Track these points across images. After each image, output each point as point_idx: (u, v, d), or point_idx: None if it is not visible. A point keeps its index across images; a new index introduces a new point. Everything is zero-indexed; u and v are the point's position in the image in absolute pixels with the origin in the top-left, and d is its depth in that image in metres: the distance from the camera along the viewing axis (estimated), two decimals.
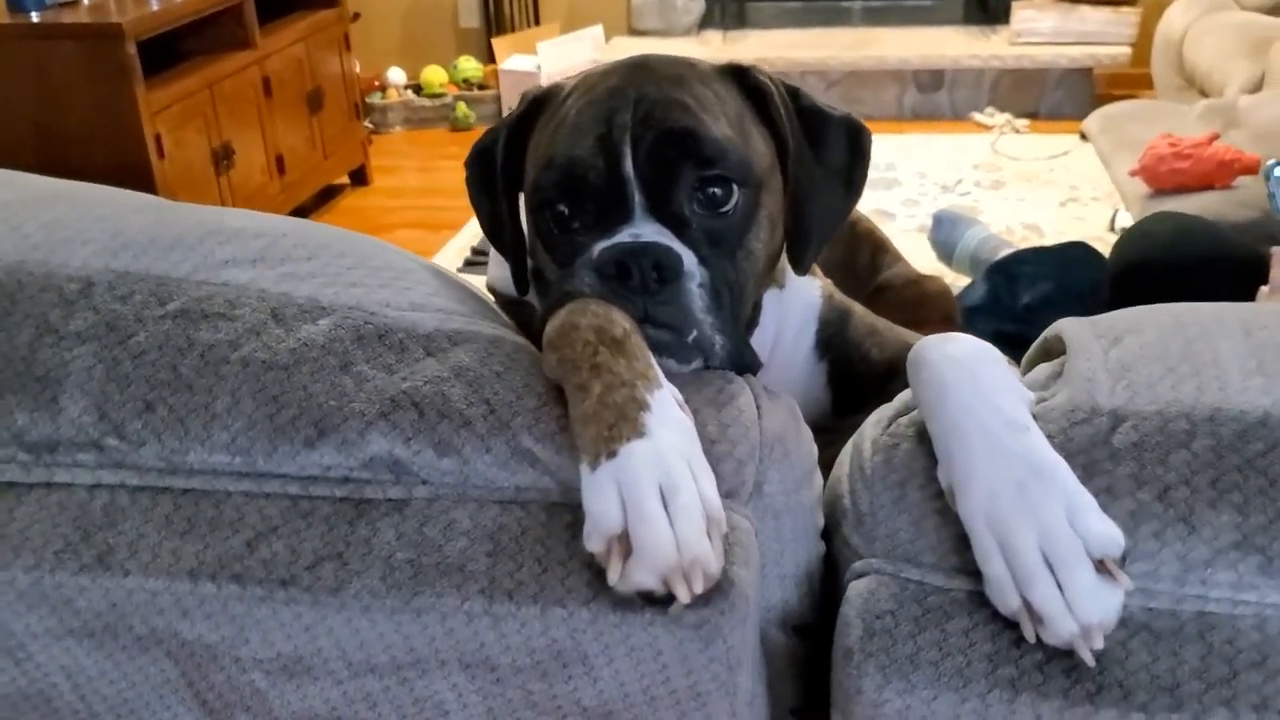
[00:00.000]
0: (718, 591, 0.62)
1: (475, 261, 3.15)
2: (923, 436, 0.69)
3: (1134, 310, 0.76)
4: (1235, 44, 3.31)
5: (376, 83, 4.66)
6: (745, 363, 0.79)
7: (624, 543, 0.60)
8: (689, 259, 0.78)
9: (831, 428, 0.89)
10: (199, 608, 0.64)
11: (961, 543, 0.64)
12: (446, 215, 3.53)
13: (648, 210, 0.80)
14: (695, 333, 0.77)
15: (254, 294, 0.71)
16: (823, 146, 0.90)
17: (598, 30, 4.64)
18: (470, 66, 4.68)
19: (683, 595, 0.59)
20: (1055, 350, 0.76)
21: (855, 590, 0.67)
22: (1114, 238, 2.40)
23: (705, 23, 4.83)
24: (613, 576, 0.60)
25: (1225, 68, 3.28)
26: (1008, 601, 0.61)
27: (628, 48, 4.36)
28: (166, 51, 3.11)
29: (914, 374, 0.71)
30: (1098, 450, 0.65)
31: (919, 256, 1.78)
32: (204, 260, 0.73)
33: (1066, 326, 0.75)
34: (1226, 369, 0.68)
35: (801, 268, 0.92)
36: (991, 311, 1.88)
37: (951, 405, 0.67)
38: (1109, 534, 0.61)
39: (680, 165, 0.80)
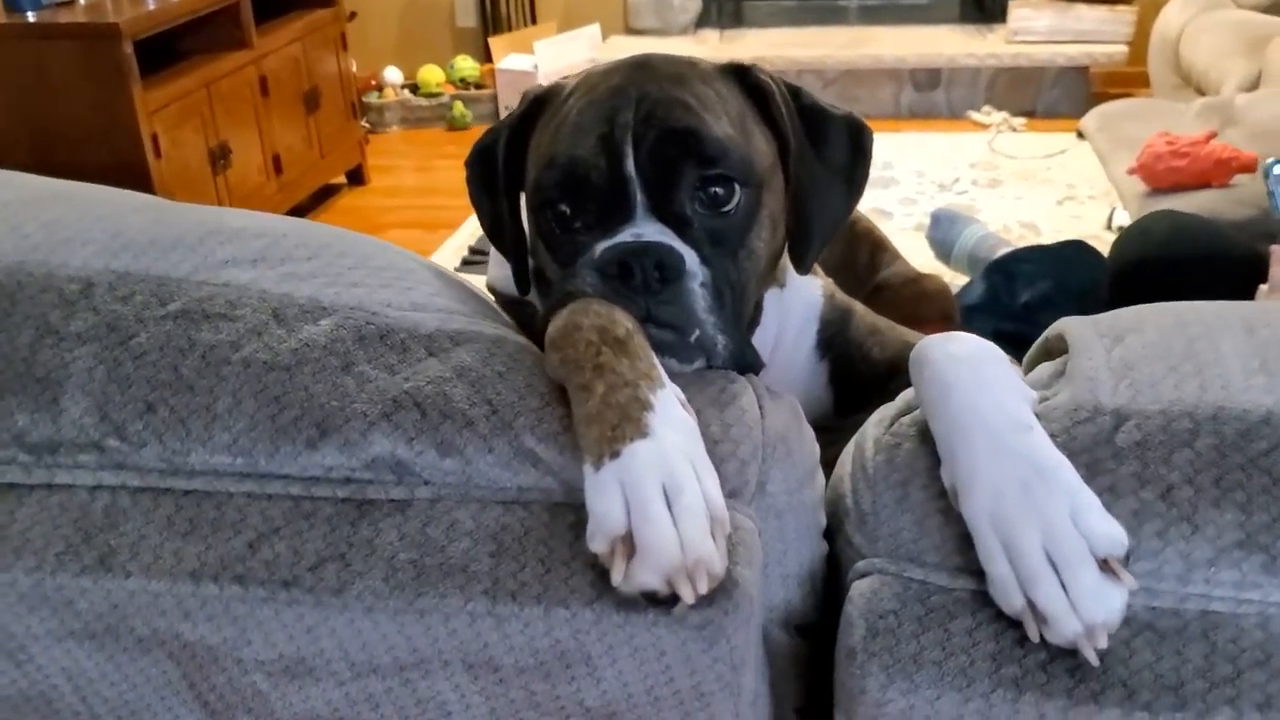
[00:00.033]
0: (721, 592, 0.62)
1: (473, 261, 3.15)
2: (925, 436, 0.69)
3: (1136, 309, 0.76)
4: (1232, 42, 3.31)
5: (373, 82, 4.66)
6: (747, 362, 0.79)
7: (628, 543, 0.60)
8: (691, 258, 0.78)
9: (833, 427, 0.89)
10: (201, 609, 0.64)
11: (965, 542, 0.64)
12: (443, 215, 3.53)
13: (649, 210, 0.80)
14: (697, 332, 0.77)
15: (255, 294, 0.71)
16: (824, 145, 0.90)
17: (594, 29, 4.64)
18: (467, 66, 4.68)
19: (687, 595, 0.59)
20: (1057, 349, 0.76)
21: (858, 590, 0.67)
22: (1111, 236, 2.40)
23: (702, 21, 4.83)
24: (616, 577, 0.60)
25: (1222, 66, 3.29)
26: (1012, 601, 0.61)
27: (624, 47, 4.36)
28: (163, 51, 3.10)
29: (916, 373, 0.71)
30: (1101, 449, 0.65)
31: (917, 255, 1.78)
32: (204, 260, 0.73)
33: (1069, 326, 0.75)
34: (1229, 368, 0.67)
35: (803, 267, 0.92)
36: (990, 310, 1.88)
37: (954, 404, 0.67)
38: (1112, 533, 0.61)
39: (682, 164, 0.80)
